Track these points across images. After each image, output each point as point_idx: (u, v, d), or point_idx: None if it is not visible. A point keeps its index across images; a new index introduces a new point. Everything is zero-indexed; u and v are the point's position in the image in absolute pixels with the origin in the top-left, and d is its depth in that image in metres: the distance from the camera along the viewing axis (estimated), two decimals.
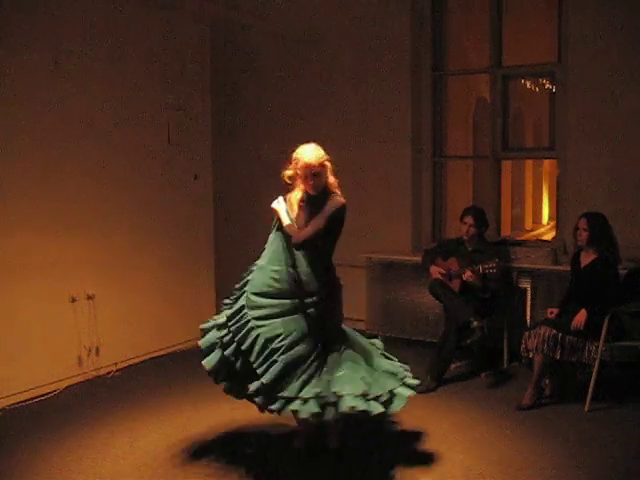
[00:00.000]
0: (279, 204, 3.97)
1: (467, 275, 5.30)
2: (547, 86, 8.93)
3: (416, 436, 4.36)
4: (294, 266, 3.91)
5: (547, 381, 4.95)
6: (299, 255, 3.91)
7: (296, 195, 4.00)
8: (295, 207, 3.98)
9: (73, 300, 5.39)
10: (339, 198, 3.89)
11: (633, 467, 3.94)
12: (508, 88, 6.52)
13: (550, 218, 13.12)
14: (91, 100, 5.48)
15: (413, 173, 6.76)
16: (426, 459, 4.03)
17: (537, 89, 10.81)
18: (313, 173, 3.84)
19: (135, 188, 5.91)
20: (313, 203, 3.93)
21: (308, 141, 3.97)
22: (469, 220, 5.54)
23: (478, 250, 5.55)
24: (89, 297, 5.49)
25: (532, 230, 12.91)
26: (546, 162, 12.30)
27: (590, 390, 4.70)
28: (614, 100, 5.79)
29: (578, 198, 5.89)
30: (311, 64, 7.04)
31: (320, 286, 3.91)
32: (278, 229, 3.98)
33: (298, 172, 3.90)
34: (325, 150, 3.93)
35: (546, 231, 12.52)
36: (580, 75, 5.90)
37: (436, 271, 5.52)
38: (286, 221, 3.90)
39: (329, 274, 3.99)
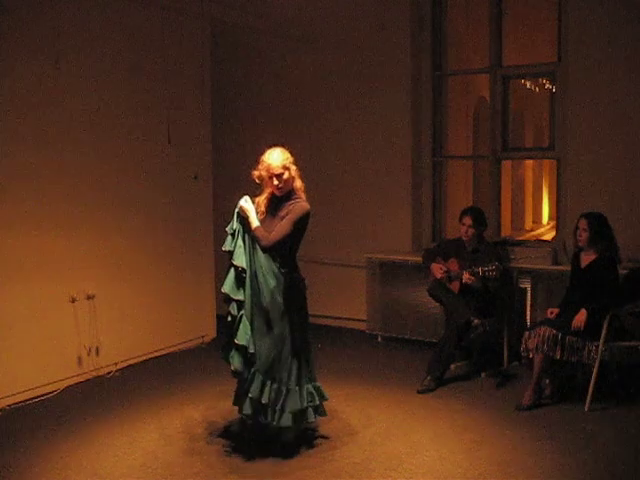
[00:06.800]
0: (247, 203, 4.05)
1: (466, 277, 5.30)
2: (547, 86, 8.94)
3: (415, 436, 4.36)
4: (256, 268, 4.00)
5: (547, 381, 4.94)
6: (260, 256, 4.00)
7: (264, 198, 4.13)
8: (262, 208, 4.09)
9: (73, 300, 5.38)
10: (304, 204, 4.03)
11: (633, 467, 3.93)
12: (508, 88, 6.52)
13: (550, 218, 13.13)
14: (91, 100, 5.48)
15: (413, 173, 6.77)
16: (426, 459, 4.03)
17: (537, 89, 10.83)
18: (276, 175, 3.98)
19: (135, 188, 5.90)
20: (278, 205, 4.06)
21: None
22: (467, 221, 5.54)
23: (478, 250, 5.55)
24: (89, 297, 5.49)
25: (532, 230, 12.91)
26: (546, 162, 12.31)
27: (590, 390, 4.70)
28: (614, 100, 5.79)
29: (578, 198, 5.90)
30: (311, 64, 7.04)
31: (277, 284, 4.00)
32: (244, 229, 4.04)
33: (262, 174, 4.04)
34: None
35: (546, 231, 12.53)
36: (580, 75, 5.90)
37: (437, 268, 5.51)
38: (255, 223, 3.99)
39: (292, 275, 4.08)
